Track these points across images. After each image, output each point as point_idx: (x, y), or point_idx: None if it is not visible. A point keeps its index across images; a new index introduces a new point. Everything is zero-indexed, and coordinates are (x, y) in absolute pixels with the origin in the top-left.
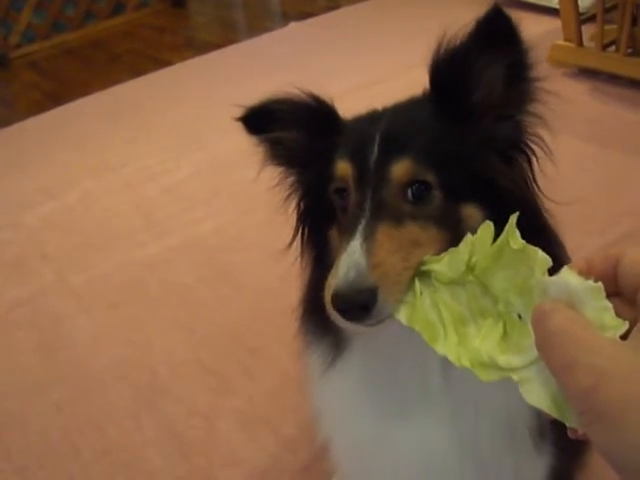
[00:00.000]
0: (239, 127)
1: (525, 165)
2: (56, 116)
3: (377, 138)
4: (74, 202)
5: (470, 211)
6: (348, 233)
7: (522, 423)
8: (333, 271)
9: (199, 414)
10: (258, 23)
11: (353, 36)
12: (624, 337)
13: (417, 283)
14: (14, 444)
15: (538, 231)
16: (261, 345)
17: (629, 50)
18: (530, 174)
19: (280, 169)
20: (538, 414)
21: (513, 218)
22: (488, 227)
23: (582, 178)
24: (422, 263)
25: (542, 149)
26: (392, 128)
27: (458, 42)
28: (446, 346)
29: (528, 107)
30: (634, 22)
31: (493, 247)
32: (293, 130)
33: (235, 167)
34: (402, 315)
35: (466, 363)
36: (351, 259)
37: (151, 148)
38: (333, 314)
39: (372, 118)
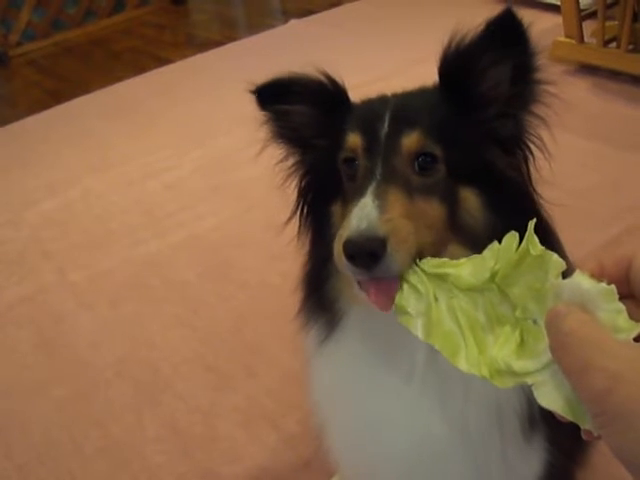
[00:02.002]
0: (252, 100)
1: (522, 162)
2: (57, 114)
3: (387, 115)
4: (75, 199)
5: (467, 194)
6: (357, 194)
7: (511, 410)
8: (344, 224)
9: (200, 411)
10: (258, 20)
11: (354, 33)
12: (637, 339)
13: (429, 288)
14: (15, 441)
15: (535, 225)
16: (262, 342)
17: (630, 46)
18: (526, 171)
19: (283, 147)
20: (528, 403)
21: (531, 225)
22: (513, 236)
23: (583, 174)
24: (437, 265)
25: (540, 150)
26: (402, 108)
27: (469, 38)
28: (469, 361)
29: (530, 107)
30: (635, 18)
31: (515, 254)
32: (304, 105)
33: (236, 164)
34: (419, 330)
35: (485, 373)
36: (363, 212)
37: (152, 145)
38: (343, 264)
39: (381, 100)
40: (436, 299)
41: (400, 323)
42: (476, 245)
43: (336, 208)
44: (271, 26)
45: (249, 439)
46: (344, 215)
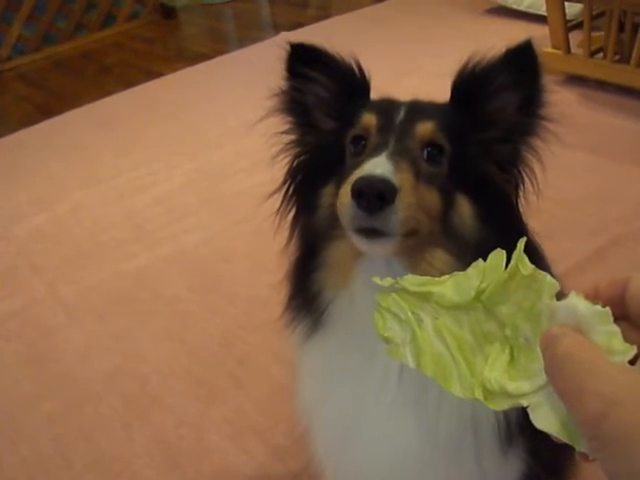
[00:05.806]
0: (283, 59)
1: (513, 187)
2: (47, 128)
3: (403, 108)
4: (65, 213)
5: (462, 200)
6: (368, 157)
7: (486, 420)
8: (356, 171)
9: (189, 424)
10: (248, 33)
11: (343, 45)
12: (633, 361)
13: (408, 312)
14: (5, 456)
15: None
16: (250, 355)
17: (616, 57)
18: (515, 196)
19: (288, 122)
20: (504, 414)
21: (521, 244)
22: (500, 254)
23: (571, 184)
24: (420, 283)
25: (531, 182)
26: (417, 105)
27: (486, 61)
28: (462, 385)
29: (529, 139)
30: (621, 29)
31: (505, 273)
32: (329, 79)
33: (226, 177)
34: (409, 359)
35: (479, 396)
36: (377, 162)
37: (142, 159)
38: (347, 205)
39: (396, 100)
40: (421, 321)
41: (390, 355)
42: (461, 252)
43: (329, 189)
44: (261, 39)
45: (238, 452)
46: (339, 193)
